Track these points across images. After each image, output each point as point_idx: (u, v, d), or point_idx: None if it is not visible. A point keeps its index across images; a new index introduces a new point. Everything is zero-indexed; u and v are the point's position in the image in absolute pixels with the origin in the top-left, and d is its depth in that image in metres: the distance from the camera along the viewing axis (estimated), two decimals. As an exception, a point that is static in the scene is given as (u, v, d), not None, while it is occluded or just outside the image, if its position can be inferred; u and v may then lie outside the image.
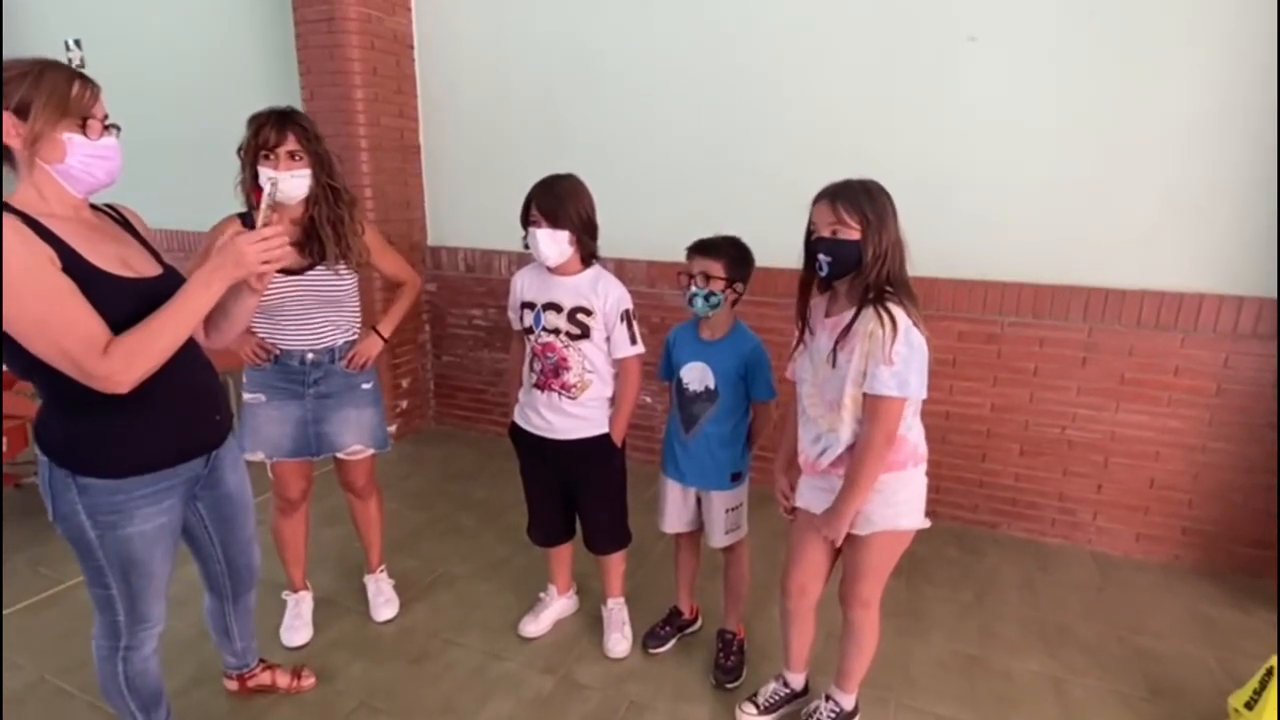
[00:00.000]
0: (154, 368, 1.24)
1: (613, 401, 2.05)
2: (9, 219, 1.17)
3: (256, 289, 1.37)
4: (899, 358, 1.45)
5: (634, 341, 1.98)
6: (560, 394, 1.98)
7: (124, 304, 1.25)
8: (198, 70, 4.26)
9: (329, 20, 3.36)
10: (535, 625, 2.29)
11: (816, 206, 1.55)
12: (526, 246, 1.92)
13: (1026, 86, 2.66)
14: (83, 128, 1.23)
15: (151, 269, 1.37)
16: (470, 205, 3.84)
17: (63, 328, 1.17)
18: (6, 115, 1.18)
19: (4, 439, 2.82)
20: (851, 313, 1.53)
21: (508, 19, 3.51)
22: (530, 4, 3.44)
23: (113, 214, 1.44)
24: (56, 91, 1.20)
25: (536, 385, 2.01)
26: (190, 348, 1.44)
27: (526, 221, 1.89)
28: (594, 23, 3.32)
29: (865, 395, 1.51)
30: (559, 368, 1.97)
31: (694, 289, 1.87)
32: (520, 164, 3.64)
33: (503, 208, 3.75)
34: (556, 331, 1.95)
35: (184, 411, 1.41)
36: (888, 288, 1.49)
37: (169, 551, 1.46)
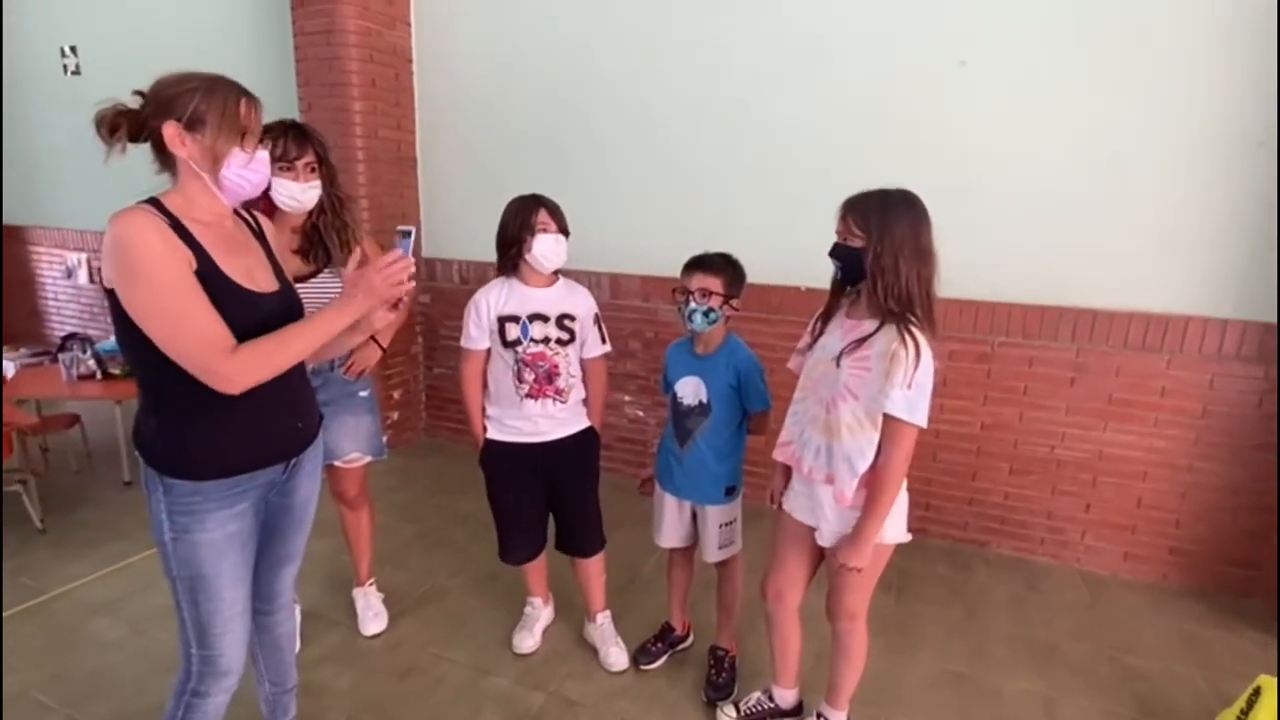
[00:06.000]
0: (268, 377, 1.27)
1: (584, 402, 2.14)
2: (155, 219, 1.22)
3: (377, 326, 1.41)
4: (917, 385, 1.47)
5: (604, 340, 2.14)
6: (554, 399, 2.04)
7: (244, 315, 1.28)
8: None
9: (328, 33, 3.38)
10: (531, 639, 2.28)
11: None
12: (508, 260, 1.98)
13: (1017, 111, 2.71)
14: (242, 142, 1.29)
15: (271, 284, 1.39)
16: (466, 218, 3.85)
17: (194, 325, 1.21)
18: (175, 125, 1.23)
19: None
20: (872, 324, 1.53)
21: (506, 33, 3.54)
22: (529, 20, 3.47)
23: (250, 222, 1.46)
24: (229, 109, 1.26)
25: (529, 395, 2.02)
26: None
27: (529, 228, 1.93)
28: (593, 41, 3.36)
29: (884, 416, 1.51)
30: (551, 374, 2.02)
31: (693, 305, 1.89)
32: (517, 178, 3.66)
33: (497, 220, 3.80)
34: (546, 340, 2.00)
35: (270, 418, 1.40)
36: (913, 313, 1.48)
37: (238, 573, 1.40)
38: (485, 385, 2.12)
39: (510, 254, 1.98)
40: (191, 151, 1.25)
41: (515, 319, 2.00)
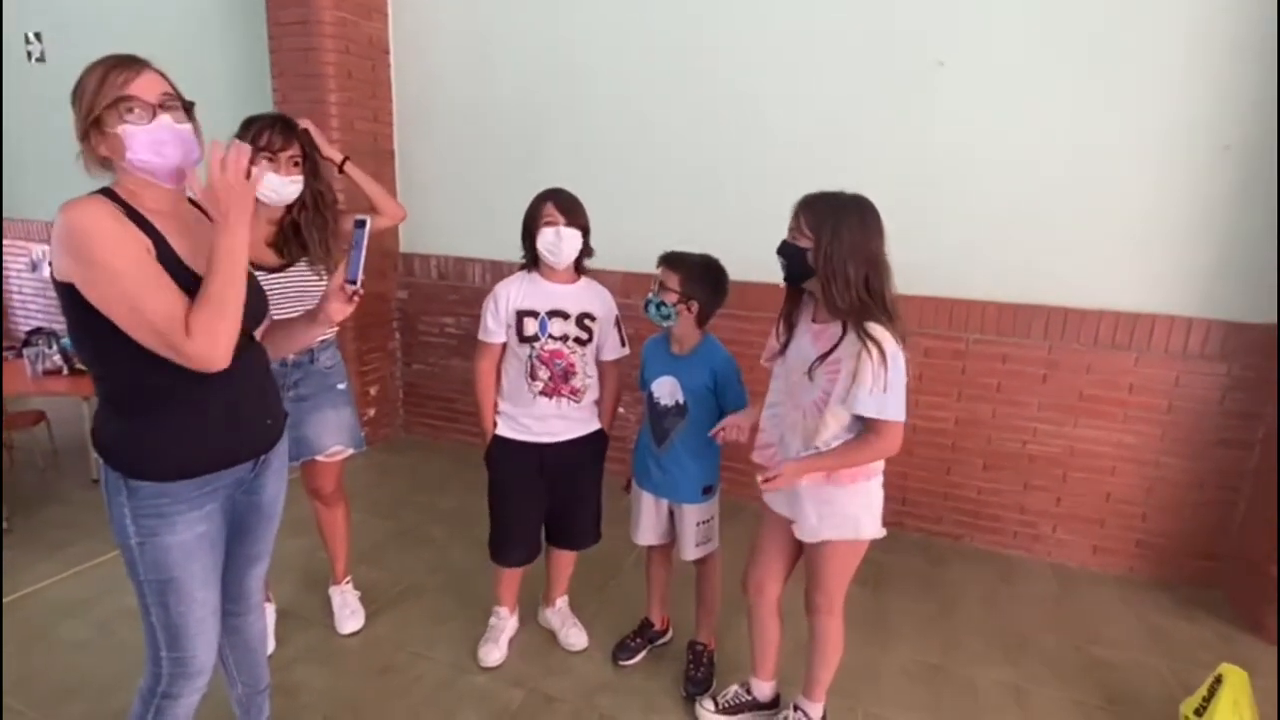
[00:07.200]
0: (234, 332, 1.20)
1: (597, 402, 2.12)
2: (109, 205, 1.17)
3: (334, 319, 1.37)
4: (890, 385, 1.47)
5: (623, 344, 2.11)
6: (569, 399, 2.03)
7: None
8: (165, 68, 4.16)
9: (303, 24, 3.33)
10: (498, 651, 2.22)
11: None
12: (527, 254, 1.96)
13: (994, 112, 2.75)
14: (128, 115, 1.18)
15: None
16: (444, 212, 3.82)
17: (156, 309, 1.14)
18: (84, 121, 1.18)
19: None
20: (837, 329, 1.55)
21: (486, 26, 3.51)
22: (509, 12, 3.45)
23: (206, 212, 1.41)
24: (86, 90, 1.18)
25: (544, 393, 2.01)
26: (249, 351, 1.38)
27: (538, 223, 1.92)
28: (574, 33, 3.34)
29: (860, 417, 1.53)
30: (568, 373, 2.01)
31: (649, 295, 1.91)
32: (496, 172, 3.68)
33: (477, 215, 3.79)
34: (565, 338, 1.99)
35: (238, 415, 1.36)
36: (871, 315, 1.49)
37: (208, 574, 1.37)
38: (498, 381, 2.09)
39: (529, 248, 1.98)
40: (102, 145, 1.19)
41: (534, 314, 1.98)
